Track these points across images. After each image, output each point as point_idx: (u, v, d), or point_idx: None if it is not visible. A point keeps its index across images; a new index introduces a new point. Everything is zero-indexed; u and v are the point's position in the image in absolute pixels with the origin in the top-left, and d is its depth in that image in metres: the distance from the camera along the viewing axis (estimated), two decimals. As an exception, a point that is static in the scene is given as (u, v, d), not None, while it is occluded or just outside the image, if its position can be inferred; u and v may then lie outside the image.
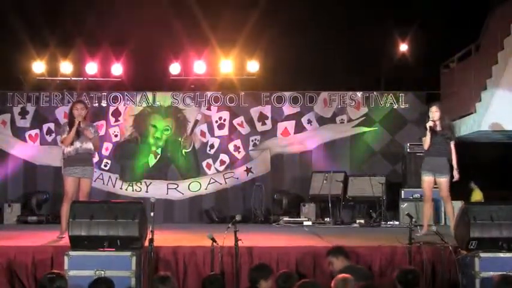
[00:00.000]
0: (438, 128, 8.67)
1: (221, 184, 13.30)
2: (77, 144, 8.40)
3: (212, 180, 13.28)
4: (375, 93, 13.38)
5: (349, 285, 5.14)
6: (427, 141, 8.65)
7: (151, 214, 6.82)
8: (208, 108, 13.44)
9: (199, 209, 13.16)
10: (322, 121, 13.38)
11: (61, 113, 13.06)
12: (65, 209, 8.32)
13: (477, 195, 12.15)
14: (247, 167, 13.31)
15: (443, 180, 8.67)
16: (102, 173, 13.16)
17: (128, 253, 6.52)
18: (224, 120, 13.41)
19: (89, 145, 8.49)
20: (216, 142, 13.39)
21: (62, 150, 8.57)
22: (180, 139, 13.38)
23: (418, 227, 8.69)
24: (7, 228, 10.81)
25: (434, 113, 8.66)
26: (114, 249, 6.62)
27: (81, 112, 8.46)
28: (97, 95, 13.35)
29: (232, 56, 12.97)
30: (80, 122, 8.39)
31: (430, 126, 8.59)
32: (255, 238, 8.14)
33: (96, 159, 13.05)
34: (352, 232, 10.00)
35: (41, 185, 12.89)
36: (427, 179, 8.75)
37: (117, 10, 11.64)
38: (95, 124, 9.15)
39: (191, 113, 13.43)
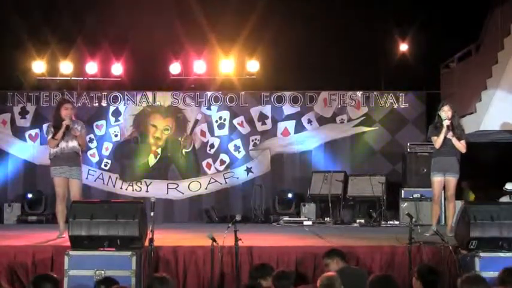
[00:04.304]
0: (451, 128, 8.65)
1: (221, 184, 13.31)
2: (62, 143, 8.34)
3: (212, 180, 13.28)
4: (375, 92, 13.39)
5: (336, 283, 5.13)
6: (439, 140, 8.61)
7: (152, 214, 6.83)
8: (209, 108, 13.44)
9: (199, 208, 13.17)
10: (322, 121, 13.38)
11: (61, 112, 13.06)
12: (59, 209, 8.33)
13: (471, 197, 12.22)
14: (247, 167, 13.31)
15: (452, 179, 8.67)
16: (102, 173, 13.17)
17: (128, 253, 6.52)
18: (224, 120, 13.41)
19: (75, 143, 8.39)
20: (216, 142, 13.39)
21: (49, 150, 8.52)
22: (180, 139, 13.38)
23: (418, 226, 8.69)
24: (7, 228, 10.81)
25: (447, 112, 8.63)
26: (114, 248, 6.62)
27: (71, 112, 8.39)
28: (97, 95, 13.35)
29: (233, 55, 12.96)
30: (68, 125, 8.29)
31: (448, 125, 8.56)
32: (255, 238, 8.14)
33: (96, 159, 13.15)
34: (352, 232, 10.00)
35: (41, 184, 12.85)
36: (437, 179, 8.71)
37: (117, 10, 11.62)
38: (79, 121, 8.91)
39: (191, 113, 13.43)
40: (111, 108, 13.38)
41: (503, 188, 11.24)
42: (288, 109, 13.42)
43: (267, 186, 13.13)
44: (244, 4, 11.79)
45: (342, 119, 13.39)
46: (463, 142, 8.68)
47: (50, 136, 8.38)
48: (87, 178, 12.60)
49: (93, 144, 13.16)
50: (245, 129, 13.41)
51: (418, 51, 12.72)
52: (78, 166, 8.47)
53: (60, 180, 8.35)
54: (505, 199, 10.97)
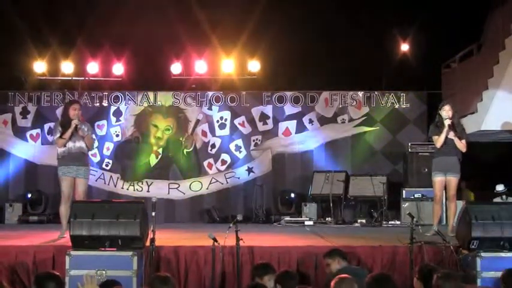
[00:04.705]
0: (452, 127, 8.66)
1: (222, 184, 13.30)
2: (69, 144, 8.40)
3: (213, 180, 13.28)
4: (376, 92, 13.38)
5: (348, 285, 5.11)
6: (441, 140, 8.61)
7: (153, 214, 6.83)
8: (210, 108, 13.43)
9: (201, 208, 13.16)
10: (323, 121, 13.38)
11: (62, 112, 13.09)
12: (63, 209, 8.35)
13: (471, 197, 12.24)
14: (248, 167, 13.31)
15: (453, 179, 8.67)
16: (103, 173, 13.17)
17: (129, 253, 6.52)
18: (225, 120, 13.40)
19: (82, 144, 8.46)
20: (218, 142, 13.39)
21: (56, 150, 8.57)
22: (181, 139, 13.38)
23: (420, 226, 8.69)
24: (8, 228, 10.82)
25: (448, 111, 8.64)
26: (115, 248, 6.62)
27: (79, 113, 8.47)
28: (98, 95, 13.35)
29: (234, 55, 12.96)
30: (77, 125, 8.37)
31: (449, 125, 8.56)
32: (256, 238, 8.14)
33: (97, 159, 13.15)
34: (353, 232, 10.00)
35: (42, 184, 12.88)
36: (438, 179, 8.71)
37: (119, 10, 11.63)
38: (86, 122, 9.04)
39: (192, 113, 13.42)
40: (112, 108, 13.38)
41: (495, 191, 11.33)
42: (289, 109, 13.41)
43: (268, 186, 13.13)
44: (246, 4, 11.79)
45: (343, 119, 13.39)
46: (463, 142, 8.68)
47: (57, 135, 8.44)
48: (88, 178, 12.59)
49: (94, 144, 13.13)
50: (246, 129, 13.40)
51: (419, 51, 12.71)
52: (85, 166, 8.59)
53: (67, 179, 8.40)
54: (498, 200, 11.06)
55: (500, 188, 11.38)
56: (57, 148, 8.55)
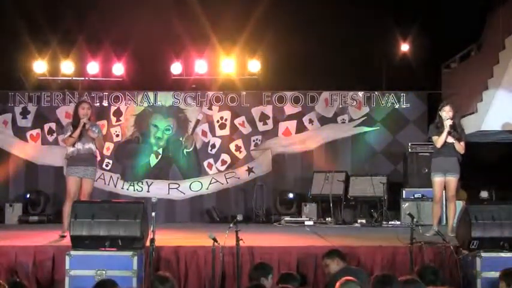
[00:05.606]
0: (453, 128, 8.66)
1: (222, 184, 13.30)
2: (78, 144, 8.51)
3: (213, 180, 13.28)
4: (376, 93, 13.38)
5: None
6: (441, 140, 8.61)
7: (153, 214, 6.82)
8: (210, 108, 13.43)
9: (201, 208, 13.16)
10: (323, 121, 13.38)
11: (62, 112, 13.10)
12: (67, 208, 8.39)
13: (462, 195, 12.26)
14: (248, 167, 13.31)
15: (453, 180, 8.68)
16: (103, 173, 13.16)
17: (129, 253, 6.52)
18: (225, 120, 13.40)
19: (91, 145, 8.58)
20: (218, 142, 13.38)
21: (66, 150, 8.66)
22: (181, 139, 13.38)
23: (420, 226, 8.70)
24: (8, 228, 10.82)
25: (449, 112, 8.65)
26: (115, 249, 6.63)
27: (88, 112, 8.57)
28: (98, 95, 13.35)
29: (234, 55, 12.95)
30: (85, 123, 8.46)
31: (450, 125, 8.57)
32: (256, 238, 8.15)
33: (97, 158, 13.12)
34: (353, 232, 10.01)
35: (42, 185, 12.90)
36: (438, 179, 8.72)
37: (119, 9, 11.62)
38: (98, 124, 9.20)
39: (192, 113, 13.42)
40: (112, 108, 13.38)
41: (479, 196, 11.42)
42: (289, 109, 13.41)
43: (268, 186, 13.11)
44: (246, 4, 11.78)
45: (343, 119, 13.39)
46: (462, 143, 8.69)
47: (67, 134, 8.52)
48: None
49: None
50: (246, 129, 13.40)
51: (420, 51, 12.70)
52: (93, 166, 8.70)
53: (74, 179, 8.47)
54: None
55: (484, 195, 11.49)
56: (66, 148, 8.65)
